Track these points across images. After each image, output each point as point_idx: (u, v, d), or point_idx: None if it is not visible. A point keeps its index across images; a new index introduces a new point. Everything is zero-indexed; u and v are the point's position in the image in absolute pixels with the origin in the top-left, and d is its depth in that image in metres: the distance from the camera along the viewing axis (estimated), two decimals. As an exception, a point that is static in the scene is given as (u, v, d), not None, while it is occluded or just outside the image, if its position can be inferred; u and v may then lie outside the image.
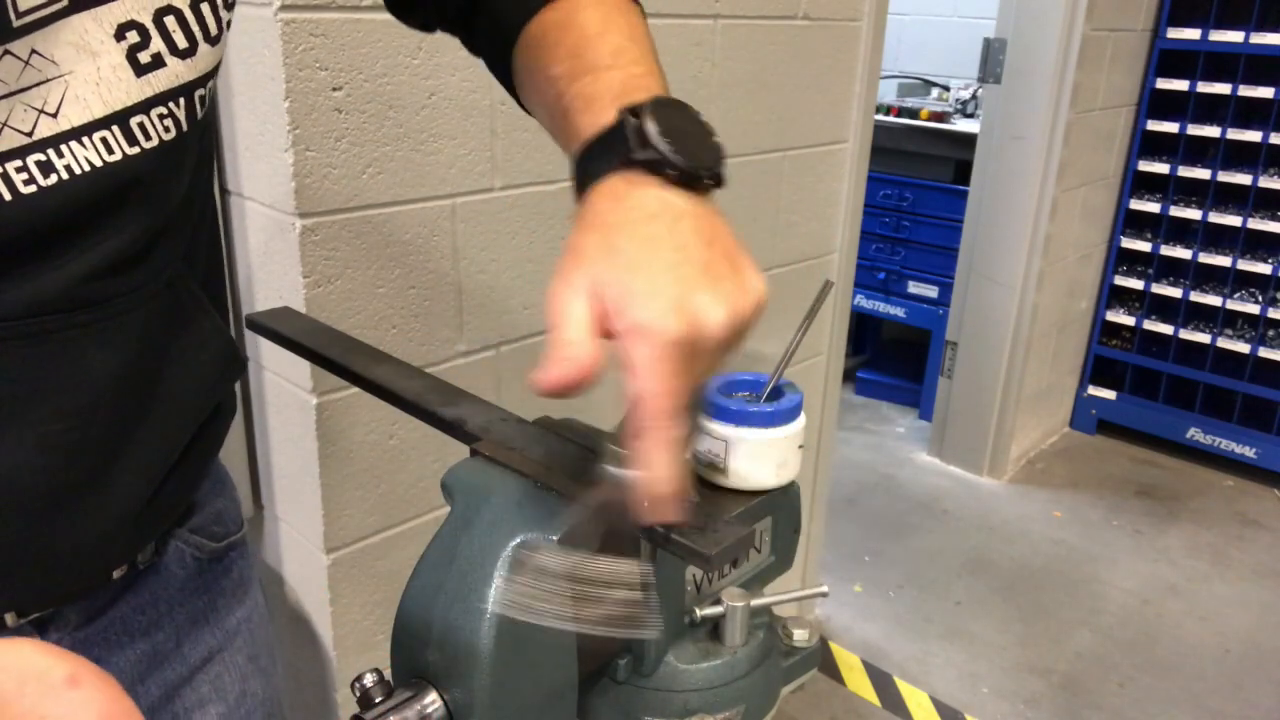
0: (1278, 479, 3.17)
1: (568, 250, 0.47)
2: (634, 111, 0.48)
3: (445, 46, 1.18)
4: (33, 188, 0.46)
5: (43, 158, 0.46)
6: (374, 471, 1.26)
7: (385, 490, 1.28)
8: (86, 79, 0.46)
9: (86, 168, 0.47)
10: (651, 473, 0.42)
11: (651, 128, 0.48)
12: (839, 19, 1.79)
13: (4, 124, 0.45)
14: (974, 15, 3.81)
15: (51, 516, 0.54)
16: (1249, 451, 3.18)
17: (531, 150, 1.32)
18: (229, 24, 0.53)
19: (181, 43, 0.49)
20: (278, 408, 1.25)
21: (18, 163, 0.45)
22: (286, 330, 0.73)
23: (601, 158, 0.48)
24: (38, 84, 0.45)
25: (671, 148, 0.47)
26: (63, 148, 0.46)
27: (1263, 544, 2.88)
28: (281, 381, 1.22)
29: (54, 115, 0.46)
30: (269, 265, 1.17)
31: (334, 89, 1.09)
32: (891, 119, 3.32)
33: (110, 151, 0.48)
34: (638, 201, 0.47)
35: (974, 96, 3.40)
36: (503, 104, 1.27)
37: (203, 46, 0.51)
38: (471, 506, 0.51)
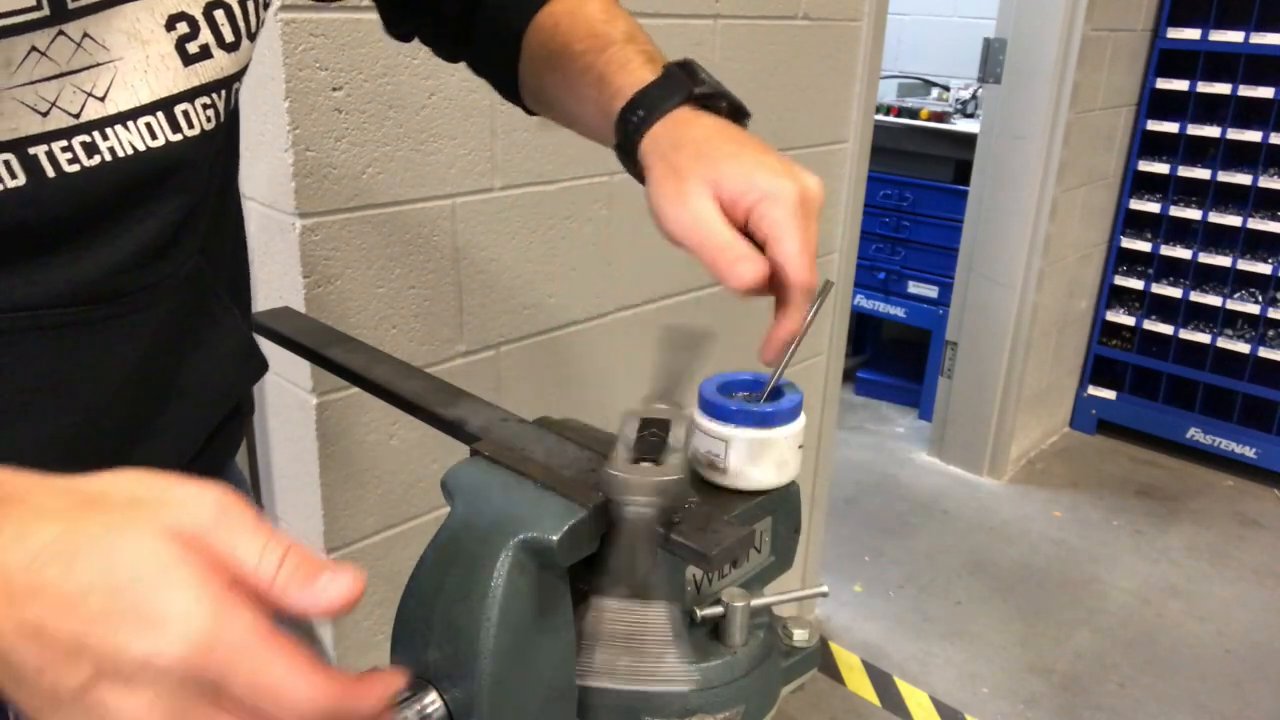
0: (1278, 479, 3.17)
1: (666, 174, 0.55)
2: (680, 65, 0.58)
3: (445, 46, 1.18)
4: (76, 167, 0.47)
5: (88, 139, 0.47)
6: (374, 471, 1.26)
7: (385, 490, 1.28)
8: (135, 66, 0.47)
9: (130, 151, 0.48)
10: (804, 278, 0.54)
11: (701, 73, 0.58)
12: (839, 19, 1.79)
13: (53, 104, 0.45)
14: (974, 15, 3.81)
15: None
16: (1249, 451, 3.18)
17: (531, 150, 1.32)
18: (264, 22, 0.55)
19: (228, 36, 0.51)
20: (278, 408, 1.25)
21: (63, 142, 0.46)
22: (286, 330, 0.73)
23: (659, 100, 0.56)
24: (88, 67, 0.46)
25: (721, 87, 0.58)
26: (108, 131, 0.48)
27: (1263, 544, 2.87)
28: (281, 381, 1.22)
29: (101, 99, 0.47)
30: (269, 265, 1.17)
31: (334, 89, 1.09)
32: (891, 119, 3.32)
33: (154, 137, 0.49)
34: (709, 122, 0.56)
35: (974, 96, 3.40)
36: (503, 104, 1.26)
37: (244, 42, 0.52)
38: (471, 506, 0.51)
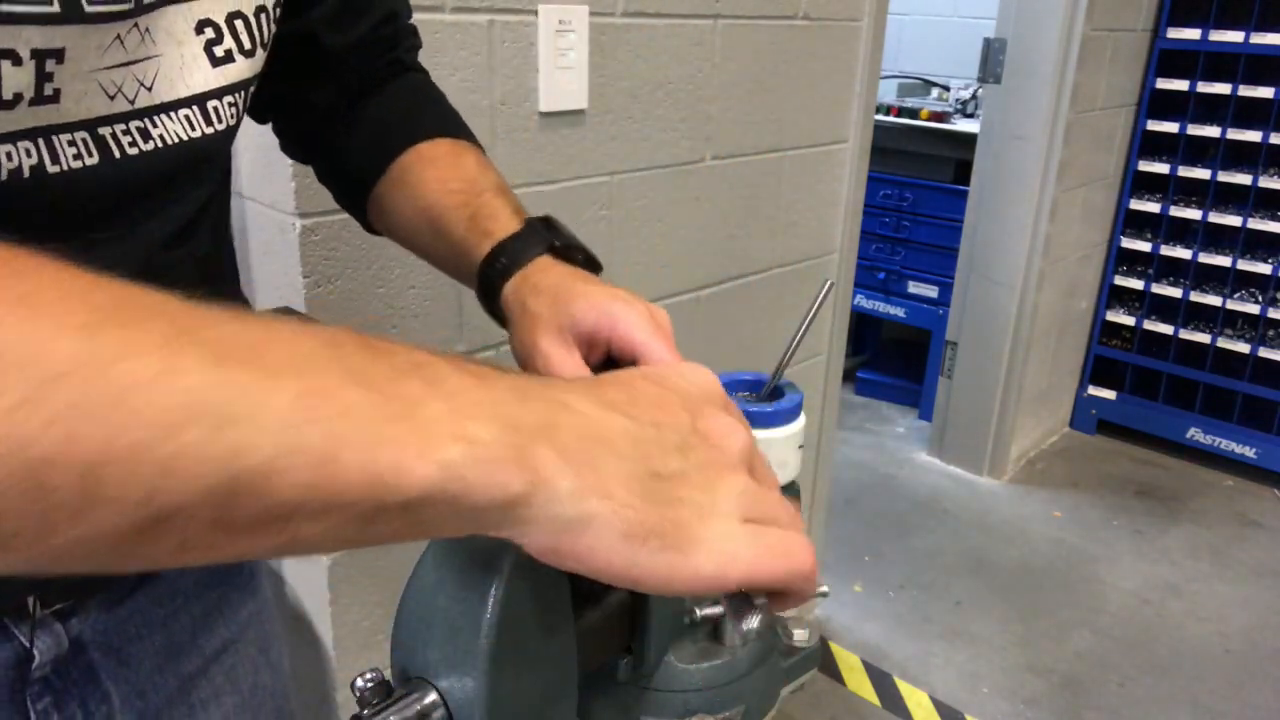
0: (1278, 479, 3.17)
1: (524, 320, 0.59)
2: (542, 220, 0.64)
3: (445, 47, 1.18)
4: (135, 150, 0.52)
5: (142, 125, 0.52)
6: (374, 471, 1.26)
7: (385, 490, 1.28)
8: (174, 62, 0.53)
9: (175, 140, 0.54)
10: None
11: (560, 228, 0.64)
12: (839, 19, 1.79)
13: (119, 89, 0.50)
14: (974, 15, 3.81)
15: None
16: (1249, 451, 3.18)
17: (531, 151, 1.33)
18: (273, 33, 0.60)
19: (246, 44, 0.57)
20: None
21: (123, 125, 0.51)
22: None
23: (521, 250, 0.62)
24: (143, 59, 0.51)
25: (576, 240, 0.64)
26: (157, 118, 0.52)
27: (1263, 544, 2.88)
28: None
29: (149, 89, 0.52)
30: (269, 265, 1.17)
31: (334, 89, 1.09)
32: (891, 119, 3.32)
33: (192, 128, 0.55)
34: (564, 270, 0.61)
35: (974, 96, 3.40)
36: (503, 104, 1.27)
37: (259, 50, 0.58)
38: (471, 506, 0.51)
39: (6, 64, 0.44)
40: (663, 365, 0.41)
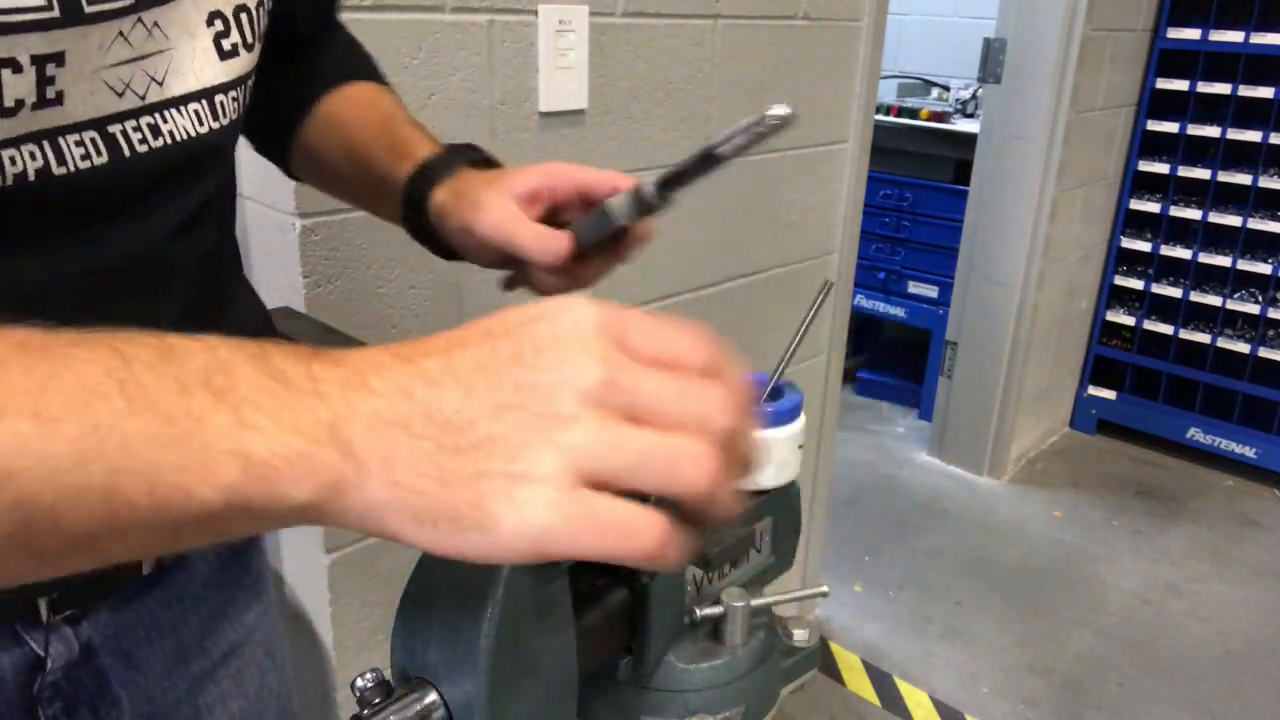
0: (1278, 479, 3.17)
1: (462, 200, 0.64)
2: (464, 145, 0.71)
3: (445, 46, 1.18)
4: (145, 147, 0.51)
5: (152, 121, 0.52)
6: (374, 471, 1.26)
7: (385, 490, 1.28)
8: (185, 56, 0.53)
9: (184, 135, 0.54)
10: None
11: (481, 149, 0.71)
12: (839, 19, 1.79)
13: (127, 86, 0.50)
14: (974, 15, 3.81)
15: None
16: (1249, 451, 3.18)
17: (531, 150, 1.32)
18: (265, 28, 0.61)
19: (249, 37, 0.57)
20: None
21: (134, 122, 0.51)
22: (286, 330, 0.73)
23: (449, 163, 0.67)
24: (153, 54, 0.51)
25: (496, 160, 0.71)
26: (168, 114, 0.52)
27: (1263, 544, 2.88)
28: (281, 381, 1.21)
29: (160, 84, 0.52)
30: (269, 265, 1.17)
31: (334, 89, 1.09)
32: (891, 119, 3.32)
33: (200, 123, 0.55)
34: (491, 169, 0.69)
35: (974, 96, 3.40)
36: (502, 104, 1.27)
37: (257, 44, 0.59)
38: (471, 506, 0.51)
39: (6, 72, 0.43)
40: (529, 307, 0.35)
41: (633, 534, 0.33)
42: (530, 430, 0.32)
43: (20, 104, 0.45)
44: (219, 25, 0.54)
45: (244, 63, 0.57)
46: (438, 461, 0.32)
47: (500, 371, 0.33)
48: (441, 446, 0.32)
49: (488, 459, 0.32)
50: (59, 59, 0.45)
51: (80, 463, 0.29)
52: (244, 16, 0.56)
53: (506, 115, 1.27)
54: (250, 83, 0.60)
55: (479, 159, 0.69)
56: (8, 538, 0.28)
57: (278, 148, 0.79)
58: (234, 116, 0.58)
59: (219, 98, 0.56)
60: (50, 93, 0.46)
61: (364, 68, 0.81)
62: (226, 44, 0.55)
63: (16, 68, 0.44)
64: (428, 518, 0.32)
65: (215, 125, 0.56)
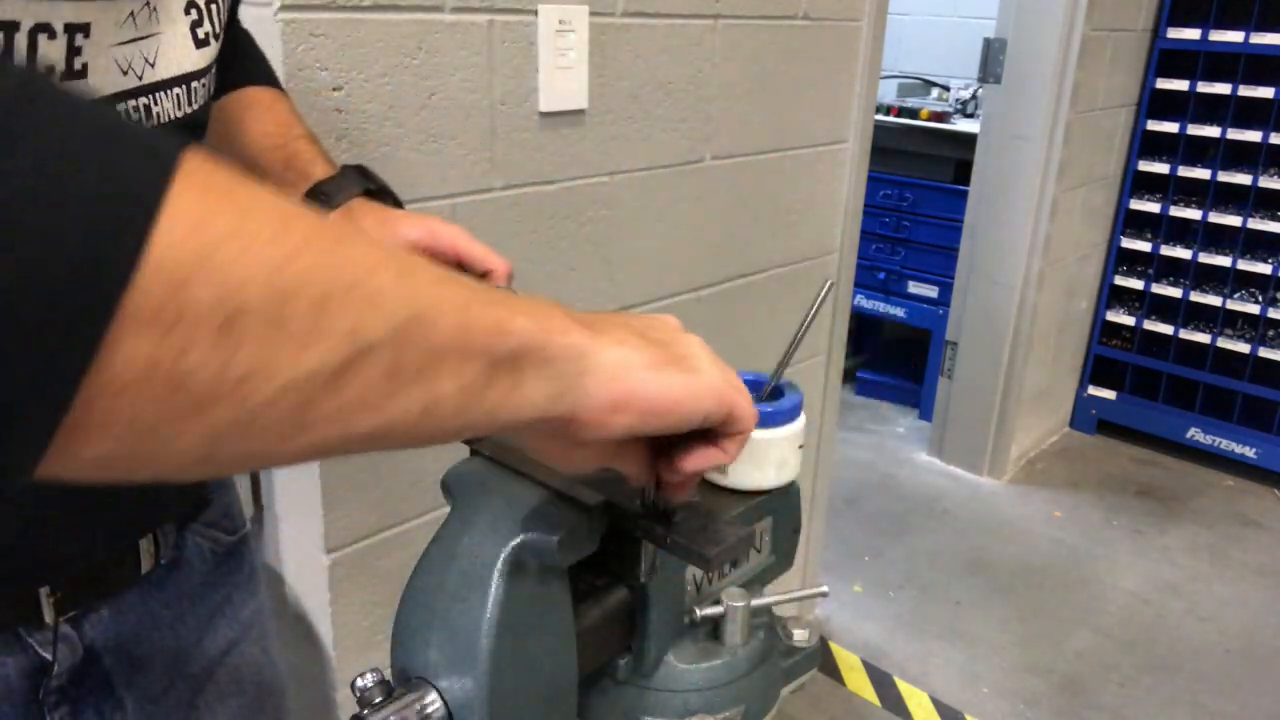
0: (1278, 479, 3.17)
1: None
2: (356, 167, 0.74)
3: (445, 46, 1.18)
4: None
5: (147, 101, 0.53)
6: (374, 471, 1.26)
7: (385, 490, 1.28)
8: (170, 41, 0.54)
9: (168, 119, 0.55)
10: None
11: (373, 175, 0.75)
12: (839, 19, 1.79)
13: (129, 65, 0.51)
14: (974, 15, 3.81)
15: None
16: (1249, 451, 3.18)
17: (531, 150, 1.32)
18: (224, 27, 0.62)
19: (216, 28, 0.58)
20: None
21: (134, 102, 0.52)
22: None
23: (341, 189, 0.70)
24: (149, 36, 0.52)
25: (388, 187, 0.75)
26: (157, 95, 0.54)
27: (1263, 544, 2.88)
28: (281, 381, 1.21)
29: (152, 66, 0.53)
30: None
31: (334, 89, 1.09)
32: (891, 119, 3.32)
33: (179, 107, 0.57)
34: (382, 206, 0.73)
35: (974, 96, 3.40)
36: (502, 104, 1.27)
37: (222, 35, 0.60)
38: (471, 506, 0.51)
39: (42, 37, 0.44)
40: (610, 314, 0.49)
41: (747, 403, 0.46)
42: (681, 336, 0.46)
43: (51, 71, 0.45)
44: (194, 14, 0.55)
45: (213, 51, 0.58)
46: (646, 339, 0.44)
47: (638, 322, 0.46)
48: (642, 336, 0.44)
49: (671, 346, 0.44)
50: (85, 30, 0.47)
51: (443, 282, 0.35)
52: (213, 8, 0.58)
53: (506, 115, 1.27)
54: (214, 72, 0.61)
55: (372, 188, 0.72)
56: (390, 335, 0.32)
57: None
58: (202, 103, 0.59)
59: (194, 84, 0.57)
60: (77, 64, 0.47)
61: (262, 70, 0.82)
62: (200, 32, 0.56)
63: (51, 33, 0.45)
64: (658, 364, 0.42)
65: (193, 109, 0.58)
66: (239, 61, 0.79)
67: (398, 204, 0.74)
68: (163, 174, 0.27)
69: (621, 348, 0.42)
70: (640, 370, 0.42)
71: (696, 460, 0.46)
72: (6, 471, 0.26)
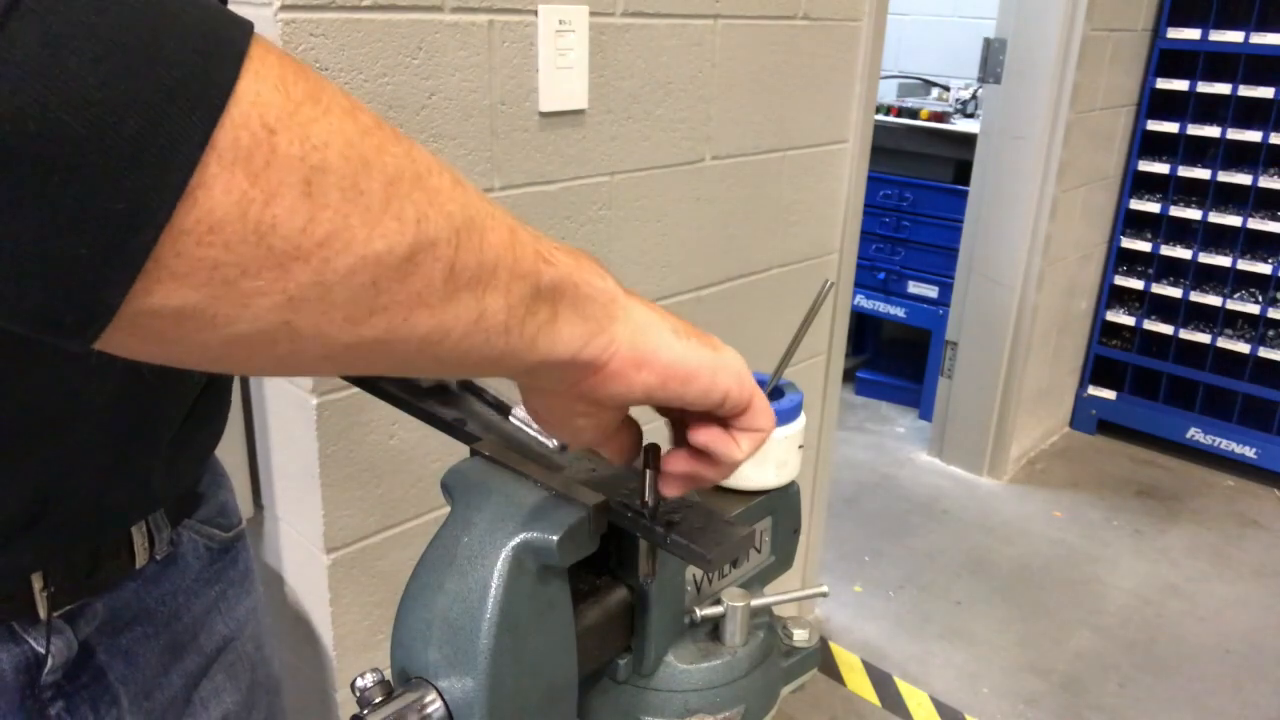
0: (1278, 479, 3.17)
1: None
2: None
3: (445, 46, 1.18)
4: None
5: None
6: (374, 471, 1.26)
7: (385, 490, 1.28)
8: None
9: None
10: None
11: None
12: (839, 19, 1.79)
13: None
14: (974, 15, 3.81)
15: (112, 447, 0.56)
16: (1249, 451, 3.18)
17: (531, 150, 1.32)
18: None
19: None
20: (278, 408, 1.25)
21: None
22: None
23: None
24: None
25: None
26: None
27: (1263, 544, 2.88)
28: (281, 381, 1.22)
29: None
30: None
31: (334, 89, 1.09)
32: (891, 119, 3.32)
33: None
34: None
35: (974, 96, 3.40)
36: (502, 104, 1.27)
37: None
38: (471, 506, 0.51)
39: None
40: None
41: (770, 408, 0.48)
42: (708, 334, 0.46)
43: None
44: None
45: None
46: (675, 317, 0.45)
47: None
48: (672, 316, 0.44)
49: (700, 332, 0.45)
50: None
51: (496, 206, 0.36)
52: None
53: (506, 115, 1.27)
54: None
55: None
56: (450, 235, 0.33)
57: None
58: None
59: None
60: None
61: None
62: None
63: None
64: (682, 333, 0.43)
65: None
66: None
67: None
68: (246, 30, 0.28)
69: (650, 311, 0.43)
70: (666, 333, 0.43)
71: (707, 436, 0.46)
72: (95, 302, 0.26)
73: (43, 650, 0.58)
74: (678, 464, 0.48)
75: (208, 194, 0.26)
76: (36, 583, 0.57)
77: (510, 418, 0.58)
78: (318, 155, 0.29)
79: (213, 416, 0.68)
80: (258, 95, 0.27)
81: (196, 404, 0.65)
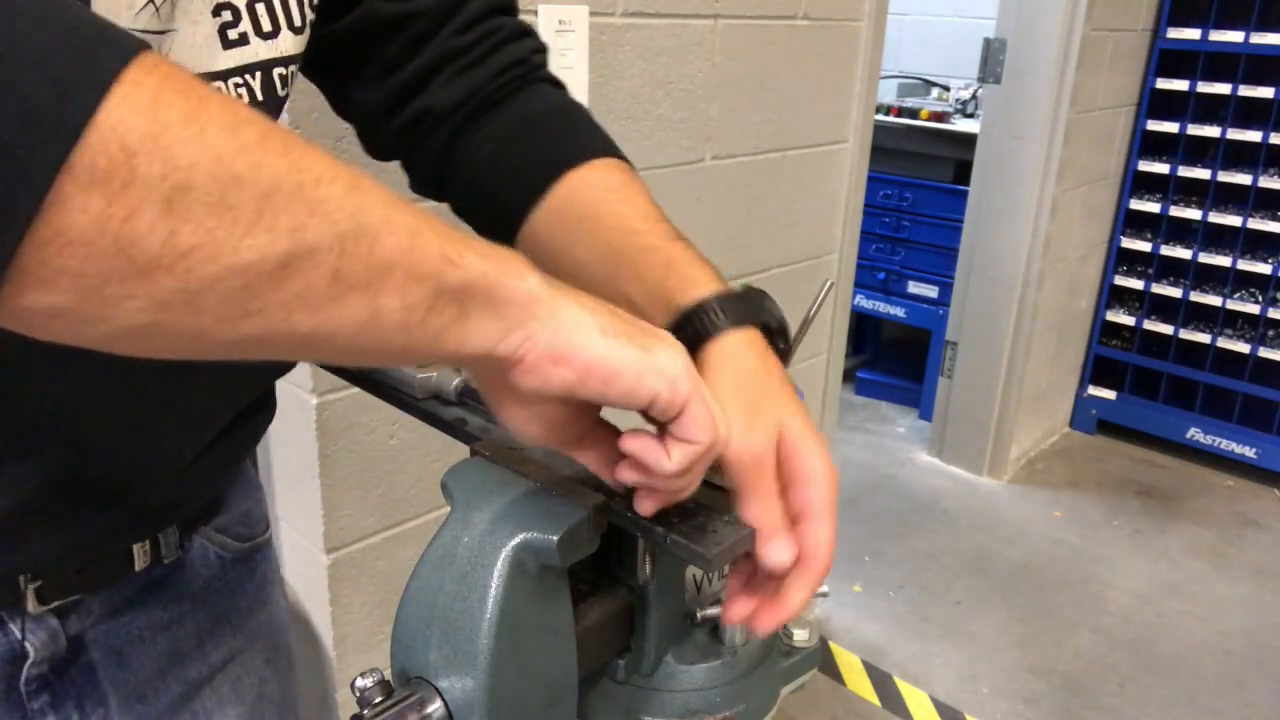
0: (1278, 479, 3.17)
1: (739, 396, 0.52)
2: (760, 292, 0.59)
3: (445, 46, 1.18)
4: None
5: None
6: (374, 471, 1.26)
7: (385, 490, 1.28)
8: (184, 41, 0.53)
9: None
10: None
11: (772, 304, 0.58)
12: (839, 19, 1.79)
13: None
14: (974, 15, 3.81)
15: (116, 445, 0.56)
16: (1249, 451, 3.18)
17: (531, 150, 1.32)
18: (313, 22, 0.60)
19: (266, 26, 0.57)
20: (278, 408, 1.25)
21: None
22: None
23: (741, 314, 0.56)
24: (164, 31, 0.52)
25: (785, 323, 0.59)
26: None
27: (1263, 544, 2.88)
28: (281, 381, 1.22)
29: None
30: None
31: (334, 89, 1.09)
32: (891, 119, 3.32)
33: None
34: (775, 365, 0.57)
35: (974, 96, 3.40)
36: (503, 104, 1.27)
37: (285, 32, 0.58)
38: (471, 506, 0.51)
39: None
40: None
41: (716, 423, 0.45)
42: (657, 338, 0.44)
43: None
44: (227, 15, 0.54)
45: (254, 50, 0.56)
46: (617, 317, 0.44)
47: (627, 314, 0.45)
48: (614, 315, 0.44)
49: (645, 337, 0.44)
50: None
51: (399, 206, 0.37)
52: (260, 6, 0.56)
53: (506, 115, 1.27)
54: (281, 70, 0.58)
55: (772, 324, 0.57)
56: (334, 241, 0.34)
57: (501, 237, 0.65)
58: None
59: (216, 84, 0.55)
60: None
61: (596, 138, 0.66)
62: (233, 34, 0.55)
63: None
64: (610, 332, 0.42)
65: None
66: (569, 131, 0.67)
67: (784, 355, 0.58)
68: (124, 55, 0.30)
69: (581, 309, 0.42)
70: (591, 330, 0.42)
71: (635, 443, 0.44)
72: None
73: (22, 640, 0.58)
74: (624, 475, 0.46)
75: (63, 212, 0.29)
76: (23, 576, 0.56)
77: None
78: (181, 175, 0.30)
79: (237, 428, 0.67)
80: (121, 120, 0.29)
81: (219, 418, 0.64)
